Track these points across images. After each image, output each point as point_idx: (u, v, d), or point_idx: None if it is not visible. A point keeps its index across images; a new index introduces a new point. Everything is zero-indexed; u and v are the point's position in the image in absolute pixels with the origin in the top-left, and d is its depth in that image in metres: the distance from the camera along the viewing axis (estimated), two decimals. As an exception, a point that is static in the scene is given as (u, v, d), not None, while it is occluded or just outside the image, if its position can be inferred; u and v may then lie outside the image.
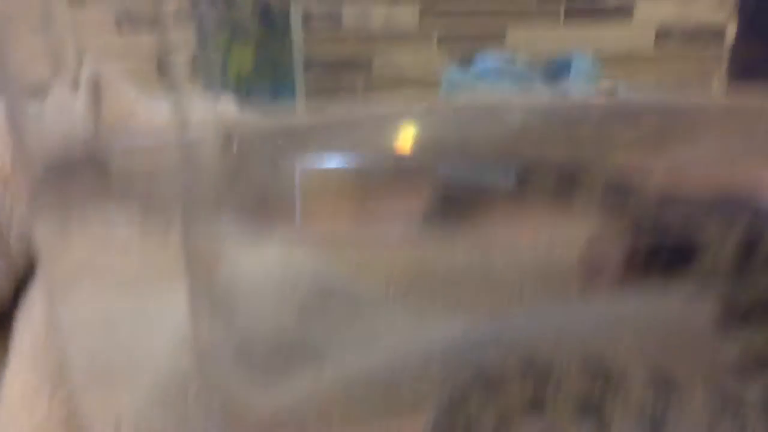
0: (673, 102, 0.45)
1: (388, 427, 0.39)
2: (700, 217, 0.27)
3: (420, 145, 0.43)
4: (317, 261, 0.54)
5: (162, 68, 0.39)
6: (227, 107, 0.41)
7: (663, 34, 0.62)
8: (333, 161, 0.43)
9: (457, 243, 0.53)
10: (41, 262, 0.40)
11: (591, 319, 0.44)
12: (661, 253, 0.26)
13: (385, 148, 0.42)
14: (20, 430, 0.37)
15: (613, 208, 0.28)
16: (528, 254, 0.51)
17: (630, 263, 0.26)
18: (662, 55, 0.67)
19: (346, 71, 0.51)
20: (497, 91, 0.62)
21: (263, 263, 0.53)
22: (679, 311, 0.37)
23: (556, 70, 0.63)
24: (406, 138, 0.43)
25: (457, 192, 0.29)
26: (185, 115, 0.32)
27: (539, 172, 0.28)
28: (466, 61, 0.67)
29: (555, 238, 0.26)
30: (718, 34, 0.56)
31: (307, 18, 0.60)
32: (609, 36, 0.65)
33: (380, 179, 0.35)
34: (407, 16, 0.64)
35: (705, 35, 0.61)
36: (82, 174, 0.37)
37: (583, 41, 0.67)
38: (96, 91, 0.48)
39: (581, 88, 0.63)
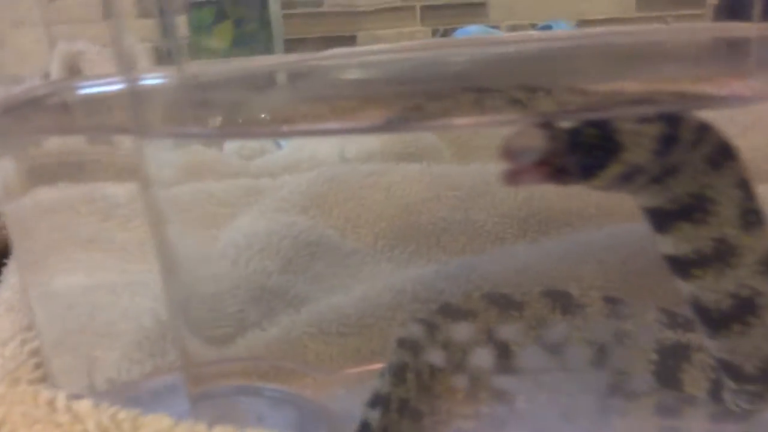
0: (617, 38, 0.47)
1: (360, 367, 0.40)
2: (618, 120, 0.28)
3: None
4: (308, 219, 0.56)
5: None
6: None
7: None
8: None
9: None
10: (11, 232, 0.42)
11: (549, 254, 0.46)
12: (582, 148, 0.28)
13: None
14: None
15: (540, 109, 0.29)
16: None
17: (551, 160, 0.27)
18: (644, 18, 0.68)
19: (330, 47, 0.53)
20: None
21: (253, 220, 0.55)
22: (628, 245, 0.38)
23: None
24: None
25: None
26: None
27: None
28: (449, 33, 0.68)
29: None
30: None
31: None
32: (590, 1, 0.66)
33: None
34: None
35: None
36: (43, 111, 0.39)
37: (564, 8, 0.68)
38: (72, 65, 0.50)
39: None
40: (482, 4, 0.65)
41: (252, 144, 0.79)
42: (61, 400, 0.28)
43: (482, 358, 0.37)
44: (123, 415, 0.27)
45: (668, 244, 0.31)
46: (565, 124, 0.28)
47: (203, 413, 0.35)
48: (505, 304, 0.40)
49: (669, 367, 0.37)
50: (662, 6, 0.65)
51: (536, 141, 0.26)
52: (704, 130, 0.29)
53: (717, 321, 0.32)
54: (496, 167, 0.57)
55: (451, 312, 0.39)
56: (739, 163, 0.30)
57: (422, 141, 0.62)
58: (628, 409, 0.38)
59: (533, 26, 0.66)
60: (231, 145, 0.75)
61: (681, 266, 0.31)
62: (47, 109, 0.40)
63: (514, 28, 0.67)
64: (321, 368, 0.42)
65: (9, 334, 0.36)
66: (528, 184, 0.27)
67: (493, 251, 0.47)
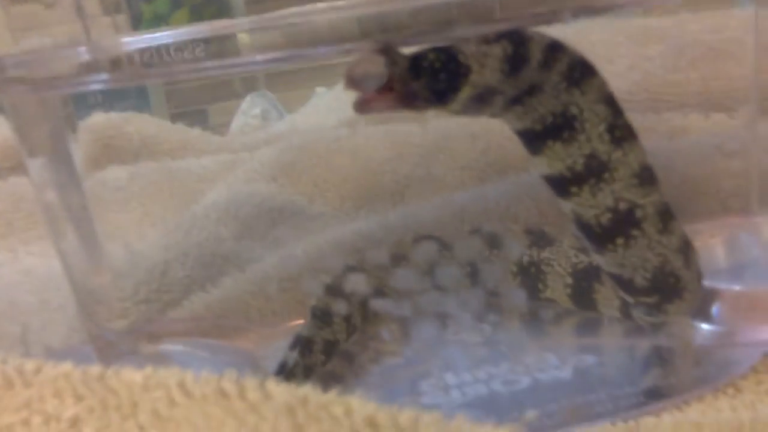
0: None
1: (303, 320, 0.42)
2: (460, 42, 0.29)
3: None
4: (276, 188, 0.58)
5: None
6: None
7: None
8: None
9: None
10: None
11: (486, 197, 0.47)
12: (427, 72, 0.28)
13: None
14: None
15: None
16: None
17: (396, 85, 0.28)
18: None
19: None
20: None
21: (219, 192, 0.57)
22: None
23: None
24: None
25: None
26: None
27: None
28: None
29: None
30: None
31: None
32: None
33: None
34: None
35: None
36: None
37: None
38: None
39: None
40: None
41: (251, 122, 0.81)
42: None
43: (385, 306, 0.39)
44: (29, 365, 0.29)
45: (543, 165, 0.32)
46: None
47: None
48: (437, 245, 0.41)
49: (583, 289, 0.38)
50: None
51: (376, 67, 0.27)
52: (555, 48, 0.30)
53: (600, 236, 0.33)
54: (455, 123, 0.59)
55: (380, 256, 0.41)
56: (599, 79, 0.31)
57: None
58: (549, 330, 0.39)
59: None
60: (236, 123, 0.77)
61: (558, 185, 0.32)
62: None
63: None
64: (263, 323, 0.43)
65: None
66: (379, 111, 0.28)
67: (433, 200, 0.48)
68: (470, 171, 0.55)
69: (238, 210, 0.51)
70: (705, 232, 0.42)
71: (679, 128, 0.53)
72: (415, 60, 0.28)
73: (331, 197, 0.56)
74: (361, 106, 0.28)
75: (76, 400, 0.27)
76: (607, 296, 0.37)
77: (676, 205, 0.34)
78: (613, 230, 0.32)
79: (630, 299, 0.34)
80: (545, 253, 0.40)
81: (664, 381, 0.34)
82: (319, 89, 0.76)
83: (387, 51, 0.27)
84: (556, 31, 0.31)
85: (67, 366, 0.28)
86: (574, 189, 0.32)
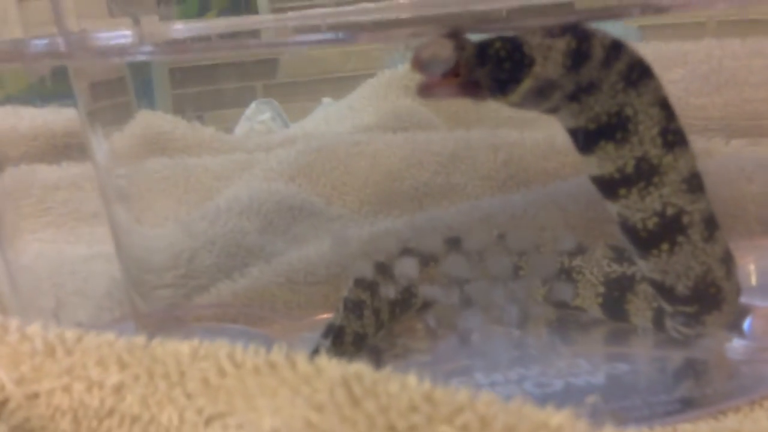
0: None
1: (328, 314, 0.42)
2: (526, 34, 0.29)
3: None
4: (294, 187, 0.58)
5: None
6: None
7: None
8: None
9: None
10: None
11: (514, 205, 0.47)
12: (492, 60, 0.29)
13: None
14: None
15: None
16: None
17: (461, 71, 0.28)
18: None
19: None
20: None
21: (239, 188, 0.56)
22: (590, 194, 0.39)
23: None
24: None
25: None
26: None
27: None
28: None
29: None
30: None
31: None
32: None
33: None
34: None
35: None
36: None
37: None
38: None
39: None
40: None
41: (258, 127, 0.81)
42: (13, 324, 0.29)
43: (434, 293, 0.38)
44: (69, 334, 0.29)
45: (593, 165, 0.32)
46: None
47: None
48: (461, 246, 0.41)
49: (615, 298, 0.38)
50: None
51: (444, 51, 0.27)
52: (617, 47, 0.30)
53: (645, 240, 0.32)
54: (478, 133, 0.59)
55: (407, 252, 0.41)
56: (656, 82, 0.31)
57: (416, 116, 0.64)
58: (578, 339, 0.39)
59: None
60: (240, 129, 0.77)
61: (607, 186, 0.32)
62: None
63: None
64: (289, 315, 0.43)
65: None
66: (441, 97, 0.28)
67: (460, 206, 0.48)
68: (490, 182, 0.55)
69: (260, 205, 0.51)
70: (734, 252, 0.42)
71: (703, 151, 0.54)
72: (482, 47, 0.28)
73: (349, 200, 0.56)
74: (424, 91, 0.28)
75: (121, 368, 0.26)
76: (640, 307, 0.37)
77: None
78: (659, 235, 0.32)
79: (669, 308, 0.34)
80: (576, 261, 0.39)
81: (698, 392, 0.34)
82: (326, 99, 0.76)
83: (456, 36, 0.27)
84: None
85: (110, 335, 0.28)
86: (622, 191, 0.32)
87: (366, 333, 0.39)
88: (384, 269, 0.39)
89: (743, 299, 0.37)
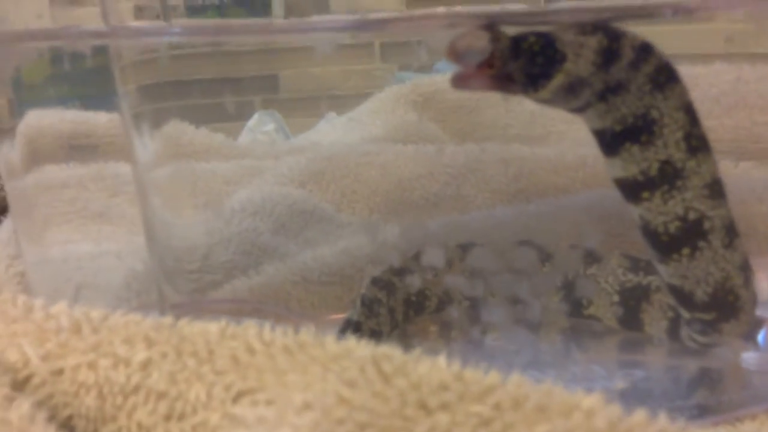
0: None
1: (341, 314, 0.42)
2: (559, 30, 0.30)
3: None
4: (305, 193, 0.58)
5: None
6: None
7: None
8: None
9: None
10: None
11: (528, 215, 0.47)
12: (525, 54, 0.29)
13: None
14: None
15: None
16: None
17: (495, 63, 0.28)
18: None
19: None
20: None
21: (251, 192, 0.57)
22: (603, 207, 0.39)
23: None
24: None
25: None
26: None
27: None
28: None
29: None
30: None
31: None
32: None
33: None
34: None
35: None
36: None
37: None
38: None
39: None
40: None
41: (261, 138, 0.81)
42: (38, 303, 0.29)
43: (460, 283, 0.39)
44: (95, 313, 0.29)
45: (617, 167, 0.32)
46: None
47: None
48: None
49: (630, 308, 0.38)
50: None
51: (480, 41, 0.28)
52: (646, 49, 0.30)
53: (666, 244, 0.33)
54: (489, 146, 0.59)
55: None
56: (682, 87, 0.31)
57: (423, 131, 0.64)
58: (591, 346, 0.39)
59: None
60: (242, 139, 0.77)
61: (630, 189, 0.32)
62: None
63: None
64: (302, 314, 0.43)
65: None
66: (474, 88, 0.29)
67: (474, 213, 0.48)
68: (500, 195, 0.55)
69: (273, 208, 0.51)
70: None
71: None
72: (516, 41, 0.28)
73: (359, 208, 0.56)
74: (459, 81, 0.28)
75: (148, 345, 0.26)
76: (655, 317, 0.37)
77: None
78: (680, 239, 0.32)
79: (687, 314, 0.34)
80: (591, 270, 0.39)
81: (714, 399, 0.34)
82: (330, 114, 0.77)
83: (492, 28, 0.28)
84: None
85: (136, 315, 0.28)
86: (645, 194, 0.32)
87: (381, 331, 0.39)
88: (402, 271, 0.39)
89: (757, 313, 0.37)
